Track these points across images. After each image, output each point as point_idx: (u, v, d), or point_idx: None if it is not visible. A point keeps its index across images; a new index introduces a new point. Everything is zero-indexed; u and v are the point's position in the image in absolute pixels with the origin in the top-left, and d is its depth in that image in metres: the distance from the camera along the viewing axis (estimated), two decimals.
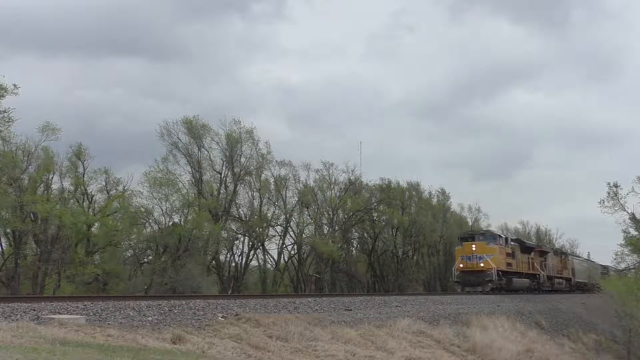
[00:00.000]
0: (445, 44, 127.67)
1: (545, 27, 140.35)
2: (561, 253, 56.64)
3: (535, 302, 36.05)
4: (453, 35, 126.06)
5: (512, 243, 41.27)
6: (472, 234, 39.81)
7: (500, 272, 37.00)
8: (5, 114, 30.15)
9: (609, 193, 49.79)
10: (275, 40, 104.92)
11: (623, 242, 49.80)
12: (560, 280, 52.08)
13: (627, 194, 48.57)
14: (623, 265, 52.57)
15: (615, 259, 52.85)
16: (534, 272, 44.72)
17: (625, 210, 49.66)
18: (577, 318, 37.52)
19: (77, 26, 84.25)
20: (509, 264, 38.63)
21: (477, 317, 23.30)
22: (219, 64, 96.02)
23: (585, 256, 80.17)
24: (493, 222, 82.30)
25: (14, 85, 29.56)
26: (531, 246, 46.65)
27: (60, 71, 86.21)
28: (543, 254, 48.49)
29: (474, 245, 37.39)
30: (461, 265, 37.50)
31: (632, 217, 49.66)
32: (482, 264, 36.37)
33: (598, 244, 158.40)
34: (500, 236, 39.49)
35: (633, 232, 49.40)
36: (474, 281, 36.36)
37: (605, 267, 75.79)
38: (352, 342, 14.63)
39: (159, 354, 9.41)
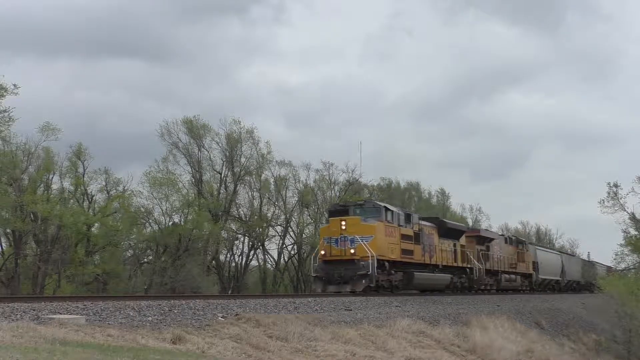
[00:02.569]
0: (442, 46, 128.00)
1: (540, 29, 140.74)
2: (518, 242, 44.19)
3: (535, 302, 36.05)
4: (450, 37, 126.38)
5: (421, 222, 28.78)
6: (345, 206, 26.60)
7: (387, 263, 24.67)
8: (6, 114, 30.21)
9: (608, 193, 49.73)
10: (274, 42, 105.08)
11: (623, 242, 49.88)
12: (514, 276, 40.44)
13: (627, 194, 48.51)
14: (623, 265, 52.62)
15: (615, 259, 52.92)
16: (464, 264, 32.56)
17: (625, 210, 49.59)
18: (577, 318, 37.51)
19: (77, 28, 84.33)
20: (406, 252, 25.97)
21: (477, 317, 23.30)
22: (217, 65, 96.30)
23: (585, 256, 79.05)
24: (493, 222, 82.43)
25: (14, 85, 29.70)
26: (458, 228, 33.45)
27: (59, 72, 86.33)
28: (483, 240, 36.09)
29: (343, 222, 23.94)
30: (323, 252, 24.08)
31: (632, 217, 49.67)
32: (352, 250, 23.33)
33: (598, 244, 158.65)
34: (388, 209, 25.78)
35: (633, 232, 49.45)
36: (340, 276, 23.54)
37: (590, 262, 70.55)
38: (352, 342, 14.63)
39: (159, 354, 9.41)
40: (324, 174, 51.29)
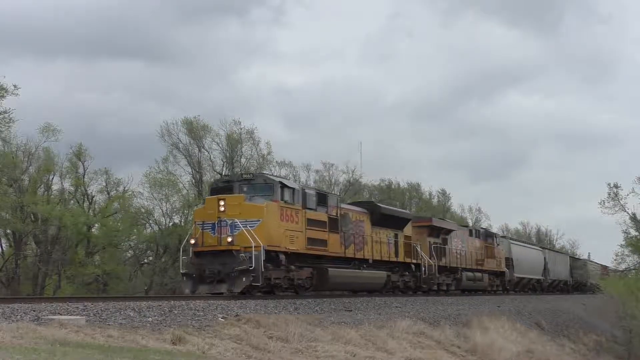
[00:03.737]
0: (441, 47, 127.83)
1: (539, 31, 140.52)
2: (487, 235, 38.21)
3: (535, 303, 36.05)
4: (449, 38, 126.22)
5: (344, 206, 23.92)
6: (229, 182, 20.38)
7: (282, 255, 19.13)
8: (6, 115, 30.19)
9: (609, 194, 49.79)
10: (274, 43, 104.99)
11: (623, 242, 49.87)
12: (479, 274, 34.59)
13: (627, 195, 48.60)
14: (623, 266, 52.62)
15: (615, 260, 52.90)
16: (410, 259, 27.20)
17: (625, 211, 49.67)
18: (578, 318, 37.50)
19: (76, 28, 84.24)
20: (316, 242, 20.65)
21: (477, 317, 23.32)
22: (217, 66, 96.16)
23: (585, 256, 78.24)
24: (494, 223, 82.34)
25: (14, 85, 29.66)
26: (400, 216, 27.65)
27: (59, 73, 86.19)
28: (437, 231, 30.59)
29: (222, 202, 18.49)
30: (193, 242, 18.75)
31: (633, 218, 49.68)
32: (230, 239, 17.98)
33: (598, 245, 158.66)
34: (286, 186, 19.94)
35: (633, 232, 49.45)
36: (213, 273, 18.09)
37: (581, 260, 66.67)
38: (353, 343, 14.64)
39: (159, 354, 9.42)
40: (324, 174, 51.28)
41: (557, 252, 62.44)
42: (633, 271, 49.86)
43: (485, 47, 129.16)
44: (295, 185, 21.04)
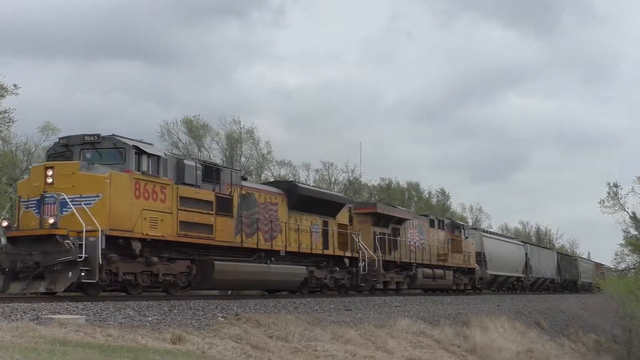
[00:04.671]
0: (440, 48, 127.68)
1: (537, 32, 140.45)
2: (453, 226, 33.53)
3: (535, 302, 36.06)
4: (448, 40, 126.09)
5: (247, 184, 19.64)
6: (69, 145, 15.49)
7: (137, 243, 15.03)
8: (6, 115, 30.19)
9: (609, 193, 49.88)
10: (273, 45, 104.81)
11: (623, 242, 49.90)
12: (441, 271, 30.36)
13: (627, 194, 48.67)
14: (623, 265, 52.65)
15: (615, 259, 52.92)
16: (345, 252, 23.05)
17: (625, 210, 49.74)
18: (577, 318, 37.52)
19: (76, 29, 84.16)
20: (191, 226, 16.41)
21: (477, 317, 23.33)
22: (217, 68, 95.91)
23: (585, 256, 77.59)
24: (494, 223, 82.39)
25: (14, 85, 29.63)
26: (330, 199, 23.21)
27: (59, 74, 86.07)
28: (384, 220, 26.28)
29: (50, 172, 14.53)
30: (6, 224, 14.93)
31: (633, 217, 49.72)
32: (52, 220, 13.90)
33: (598, 244, 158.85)
34: (142, 151, 15.34)
35: (633, 231, 49.48)
36: (26, 266, 13.97)
37: (571, 257, 63.35)
38: (352, 342, 14.65)
39: (159, 354, 9.42)
40: (324, 174, 51.27)
41: (542, 247, 57.34)
42: (633, 271, 49.91)
43: (484, 48, 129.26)
44: (160, 153, 16.06)
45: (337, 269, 22.98)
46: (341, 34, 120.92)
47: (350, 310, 18.81)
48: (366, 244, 24.12)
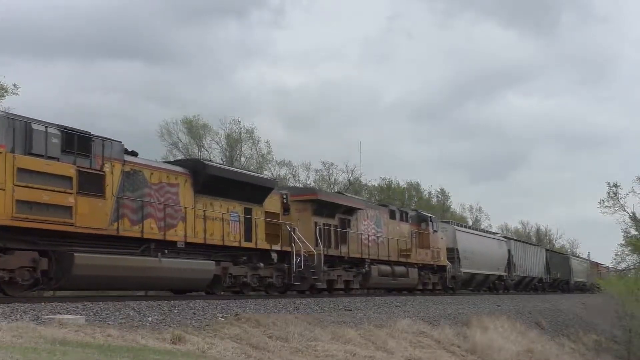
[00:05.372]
0: (440, 48, 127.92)
1: (537, 32, 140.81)
2: (419, 218, 30.09)
3: (535, 302, 36.06)
4: (447, 39, 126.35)
5: (136, 160, 15.98)
6: None
7: None
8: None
9: (609, 193, 50.02)
10: (273, 44, 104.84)
11: (623, 242, 49.96)
12: (403, 268, 27.21)
13: (627, 194, 48.80)
14: (623, 265, 52.68)
15: (615, 259, 52.95)
16: (273, 245, 19.99)
17: (625, 210, 49.83)
18: (577, 318, 37.53)
19: (76, 29, 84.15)
20: (38, 207, 13.00)
21: (477, 317, 23.33)
22: (216, 68, 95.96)
23: (585, 256, 77.08)
24: (494, 222, 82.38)
25: (14, 85, 29.65)
26: (257, 184, 19.82)
27: (59, 74, 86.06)
28: (329, 208, 23.09)
29: None
30: None
31: (632, 217, 49.76)
32: None
33: (598, 244, 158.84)
34: None
35: (633, 232, 49.53)
36: None
37: (562, 255, 60.70)
38: (352, 342, 14.65)
39: (159, 354, 9.42)
40: (324, 173, 51.32)
41: (528, 243, 53.42)
42: (633, 270, 49.95)
43: (484, 47, 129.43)
44: None
45: (262, 265, 19.39)
46: (341, 34, 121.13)
47: (350, 310, 18.81)
48: (306, 237, 21.04)
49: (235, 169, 21.79)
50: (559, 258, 56.73)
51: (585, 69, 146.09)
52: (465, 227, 39.99)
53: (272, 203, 20.59)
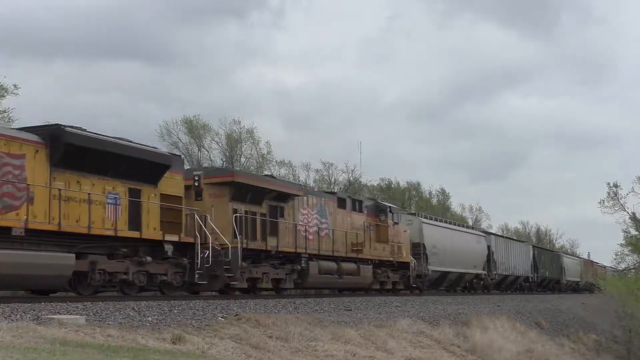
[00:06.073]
0: (439, 48, 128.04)
1: (536, 32, 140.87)
2: (377, 209, 26.51)
3: (535, 302, 36.06)
4: (446, 40, 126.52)
5: None
6: None
7: None
8: (6, 114, 30.21)
9: (609, 193, 50.00)
10: (272, 45, 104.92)
11: (623, 242, 49.95)
12: (352, 265, 23.90)
13: (627, 194, 48.78)
14: (623, 265, 52.66)
15: (615, 259, 52.92)
16: (162, 236, 16.49)
17: (625, 210, 49.81)
18: (577, 318, 37.52)
19: (76, 30, 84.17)
20: None
21: (477, 317, 23.31)
22: (216, 68, 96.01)
23: (585, 256, 76.68)
24: (494, 222, 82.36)
25: (14, 85, 29.64)
26: (146, 159, 16.26)
27: (58, 74, 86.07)
28: (257, 194, 19.94)
29: None
30: None
31: (633, 217, 49.74)
32: None
33: (598, 244, 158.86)
34: None
35: (633, 232, 49.53)
36: None
37: (552, 252, 57.96)
38: (352, 342, 14.64)
39: (159, 354, 9.42)
40: (324, 174, 51.29)
41: (512, 239, 49.16)
42: (633, 270, 49.94)
43: (483, 48, 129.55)
44: None
45: (149, 259, 15.92)
46: (340, 34, 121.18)
47: (350, 310, 18.81)
48: (222, 226, 18.05)
49: (112, 139, 15.85)
50: (548, 256, 53.59)
51: (585, 69, 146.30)
52: (435, 219, 35.97)
53: (172, 184, 17.05)
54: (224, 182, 19.17)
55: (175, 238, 16.67)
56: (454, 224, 38.05)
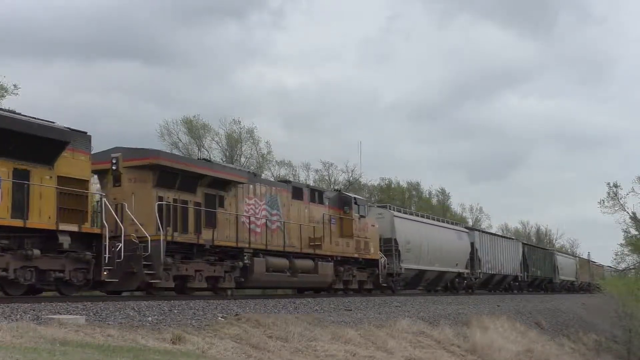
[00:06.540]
0: (439, 48, 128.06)
1: (535, 32, 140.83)
2: (341, 201, 24.51)
3: (535, 302, 36.06)
4: (446, 40, 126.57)
5: None
6: None
7: None
8: None
9: (609, 193, 50.06)
10: (272, 45, 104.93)
11: (623, 242, 49.99)
12: (309, 262, 21.64)
13: (627, 194, 48.84)
14: (623, 265, 52.68)
15: (615, 259, 52.92)
16: (55, 226, 13.71)
17: (625, 210, 49.85)
18: (577, 318, 37.52)
19: (76, 30, 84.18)
20: None
21: (477, 317, 23.32)
22: (215, 68, 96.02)
23: (585, 256, 76.51)
24: (494, 222, 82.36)
25: (14, 85, 29.61)
26: (39, 135, 13.48)
27: (58, 74, 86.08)
28: (192, 180, 17.70)
29: None
30: None
31: (633, 217, 49.77)
32: None
33: (598, 244, 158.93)
34: None
35: (633, 231, 49.56)
36: None
37: (545, 250, 54.72)
38: (352, 342, 14.65)
39: (159, 354, 9.42)
40: (324, 174, 51.23)
41: (498, 236, 45.31)
42: (633, 270, 49.96)
43: (483, 48, 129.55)
44: None
45: (37, 252, 13.41)
46: (340, 35, 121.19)
47: (350, 310, 18.80)
48: (143, 216, 15.92)
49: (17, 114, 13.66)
50: (540, 254, 50.40)
51: (585, 69, 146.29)
52: (410, 213, 33.51)
53: (75, 165, 14.51)
54: (146, 165, 16.58)
55: (73, 228, 13.99)
56: (433, 219, 34.36)
